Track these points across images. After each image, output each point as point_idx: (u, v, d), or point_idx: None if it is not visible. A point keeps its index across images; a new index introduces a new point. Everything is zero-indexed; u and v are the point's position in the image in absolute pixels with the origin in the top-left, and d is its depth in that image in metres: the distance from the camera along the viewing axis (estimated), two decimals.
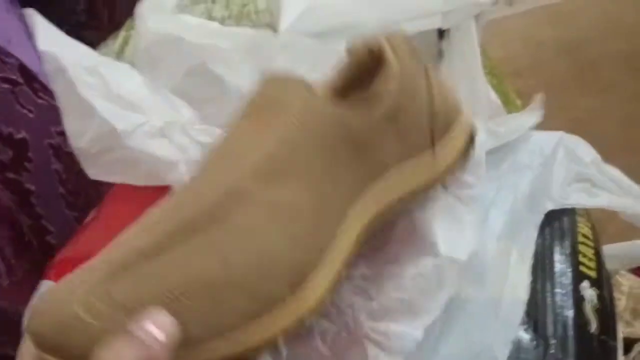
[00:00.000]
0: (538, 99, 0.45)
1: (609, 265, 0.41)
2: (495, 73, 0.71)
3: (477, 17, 0.44)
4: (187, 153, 0.36)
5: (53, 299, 0.23)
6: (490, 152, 0.37)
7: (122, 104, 0.36)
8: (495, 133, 0.40)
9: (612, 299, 0.35)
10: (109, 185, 0.38)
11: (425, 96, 0.30)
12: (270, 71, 0.29)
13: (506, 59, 1.30)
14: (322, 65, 0.33)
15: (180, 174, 0.34)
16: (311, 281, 0.25)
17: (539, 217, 0.35)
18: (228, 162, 0.26)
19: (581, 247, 0.34)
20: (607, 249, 0.41)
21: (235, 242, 0.24)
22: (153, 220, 0.25)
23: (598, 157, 0.40)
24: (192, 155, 0.37)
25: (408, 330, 0.27)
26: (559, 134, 0.42)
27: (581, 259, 0.33)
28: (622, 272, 0.49)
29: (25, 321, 0.31)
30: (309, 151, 0.26)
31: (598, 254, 0.35)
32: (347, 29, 0.39)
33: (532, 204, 0.35)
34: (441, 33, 0.44)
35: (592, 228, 0.37)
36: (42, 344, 0.22)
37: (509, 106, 0.64)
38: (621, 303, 0.47)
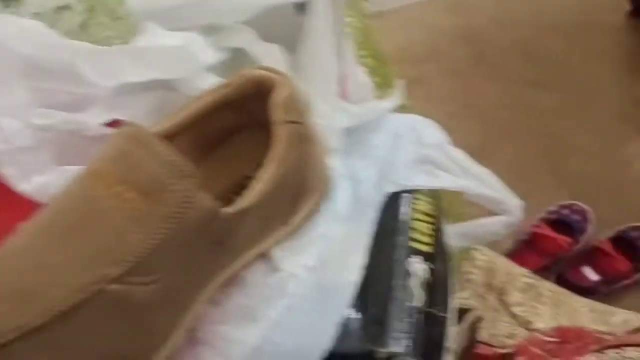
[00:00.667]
0: (400, 85, 0.46)
1: (461, 242, 0.44)
2: (377, 56, 0.73)
3: None
4: (20, 141, 0.34)
5: None
6: (346, 136, 0.38)
7: None
8: (353, 114, 0.41)
9: (447, 273, 0.37)
10: None
11: (299, 177, 0.31)
12: (126, 127, 0.27)
13: (407, 46, 1.34)
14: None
15: (11, 169, 0.32)
16: None
17: (380, 197, 0.36)
18: (86, 247, 0.24)
19: (416, 224, 0.36)
20: (457, 227, 0.43)
21: (76, 342, 0.23)
22: None
23: (444, 139, 0.42)
24: (26, 143, 0.34)
25: (243, 336, 0.28)
26: (411, 117, 0.43)
27: (415, 234, 0.35)
28: (479, 247, 0.52)
29: None
30: (179, 246, 0.25)
31: (437, 231, 0.37)
32: (193, 5, 0.38)
33: (377, 185, 0.37)
34: (299, 8, 0.44)
35: (435, 205, 0.39)
36: None
37: (390, 90, 0.66)
38: (476, 277, 0.50)
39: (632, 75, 1.19)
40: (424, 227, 0.36)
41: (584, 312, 0.56)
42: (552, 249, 0.93)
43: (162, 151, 0.26)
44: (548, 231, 0.94)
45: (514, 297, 0.52)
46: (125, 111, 0.37)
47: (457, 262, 0.45)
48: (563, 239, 0.93)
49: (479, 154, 1.27)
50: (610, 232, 0.94)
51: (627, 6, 1.28)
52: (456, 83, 1.25)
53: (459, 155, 0.41)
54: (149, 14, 0.40)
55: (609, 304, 0.89)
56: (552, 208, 0.98)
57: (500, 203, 0.43)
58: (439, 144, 0.41)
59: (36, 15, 0.46)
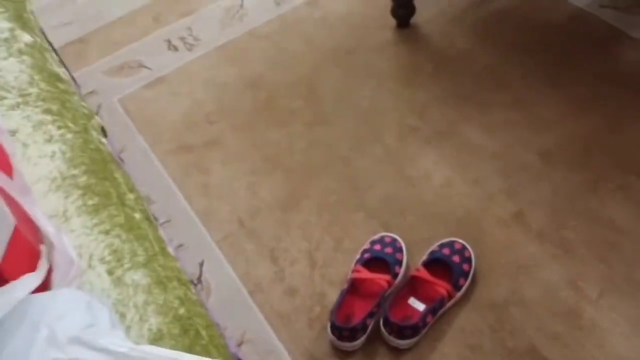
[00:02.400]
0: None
1: None
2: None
3: None
4: None
5: None
6: None
7: None
8: None
9: None
10: None
11: None
12: None
13: (196, 106, 1.25)
14: None
15: None
16: None
17: None
18: None
19: None
20: None
21: None
22: None
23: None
24: None
25: None
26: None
27: None
28: None
29: None
30: None
31: None
32: None
33: None
34: None
35: None
36: None
37: None
38: None
39: (410, 86, 1.22)
40: None
41: None
42: (375, 289, 0.89)
43: None
44: (365, 274, 0.89)
45: None
46: None
47: None
48: (381, 277, 0.89)
49: (289, 206, 1.19)
50: (425, 256, 0.93)
51: (393, 22, 1.32)
52: (249, 136, 1.18)
53: None
54: None
55: (439, 329, 0.86)
56: (365, 246, 0.95)
57: None
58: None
59: None
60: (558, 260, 0.94)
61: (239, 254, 1.02)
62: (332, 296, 0.93)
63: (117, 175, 0.64)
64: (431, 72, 1.24)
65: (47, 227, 0.48)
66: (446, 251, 0.91)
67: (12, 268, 0.43)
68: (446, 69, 1.23)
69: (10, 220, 0.45)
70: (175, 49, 1.36)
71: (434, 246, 0.93)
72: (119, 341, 0.31)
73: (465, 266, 0.90)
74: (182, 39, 1.37)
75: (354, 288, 0.90)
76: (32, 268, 0.44)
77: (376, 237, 0.96)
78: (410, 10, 1.29)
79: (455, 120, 1.14)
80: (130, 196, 0.62)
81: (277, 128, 1.19)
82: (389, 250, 0.93)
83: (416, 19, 1.32)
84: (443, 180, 1.06)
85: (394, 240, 0.94)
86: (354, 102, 1.20)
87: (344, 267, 0.96)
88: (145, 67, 1.33)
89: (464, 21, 1.32)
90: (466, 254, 0.91)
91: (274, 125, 1.19)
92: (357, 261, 0.93)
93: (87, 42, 1.40)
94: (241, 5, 1.43)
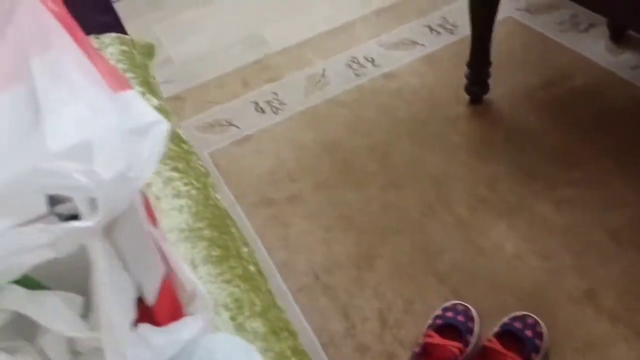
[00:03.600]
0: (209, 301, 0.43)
1: None
2: (216, 225, 0.71)
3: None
4: None
5: None
6: None
7: None
8: (155, 347, 0.37)
9: None
10: None
11: None
12: None
13: (279, 164, 1.35)
14: None
15: None
16: None
17: None
18: None
19: None
20: None
21: None
22: None
23: None
24: None
25: None
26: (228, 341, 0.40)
27: None
28: None
29: None
30: None
31: None
32: None
33: None
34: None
35: None
36: None
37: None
38: None
39: (481, 158, 1.29)
40: None
41: None
42: (446, 356, 0.92)
43: None
44: (438, 339, 0.93)
45: None
46: None
47: None
48: (453, 345, 0.92)
49: (363, 265, 1.26)
50: (496, 327, 0.96)
51: (466, 97, 1.40)
52: (327, 194, 1.27)
53: None
54: None
55: None
56: (437, 312, 0.99)
57: None
58: None
59: None
60: (629, 342, 0.95)
61: (314, 306, 1.08)
62: (402, 357, 0.97)
63: (233, 230, 0.73)
64: (502, 146, 1.30)
65: (189, 273, 0.55)
66: (519, 325, 0.94)
67: (162, 312, 0.50)
68: (517, 144, 1.29)
69: (161, 266, 0.53)
70: (262, 110, 1.49)
71: (506, 318, 0.96)
72: None
73: (537, 341, 0.92)
74: (269, 102, 1.50)
75: (425, 352, 0.93)
76: (178, 313, 0.51)
77: (448, 304, 1.00)
78: (484, 87, 1.37)
79: (525, 194, 1.19)
80: (245, 250, 0.70)
81: (353, 189, 1.27)
82: (461, 318, 0.96)
83: (489, 95, 1.39)
84: (513, 252, 1.10)
85: (467, 308, 0.98)
86: (426, 170, 1.27)
87: (415, 329, 1.00)
88: (235, 125, 1.46)
89: (536, 99, 1.38)
90: (538, 329, 0.94)
91: (350, 186, 1.27)
92: (429, 326, 0.97)
93: (184, 99, 1.55)
94: (323, 75, 1.55)
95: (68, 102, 0.36)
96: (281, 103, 1.50)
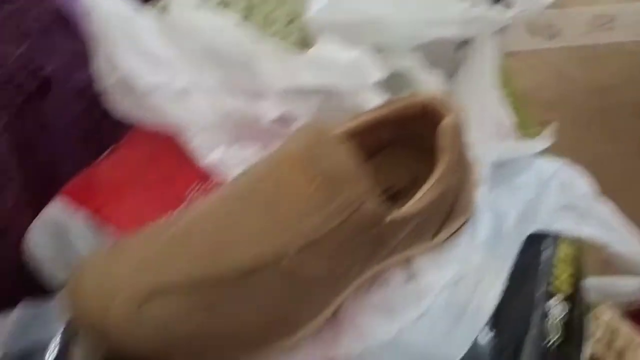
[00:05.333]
0: (551, 128, 0.46)
1: (591, 296, 0.43)
2: (517, 96, 0.72)
3: (496, 33, 0.45)
4: (204, 119, 0.38)
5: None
6: (492, 170, 0.39)
7: (149, 60, 0.38)
8: (502, 150, 0.42)
9: (583, 320, 0.36)
10: (127, 128, 0.40)
11: (452, 199, 0.34)
12: (311, 125, 0.31)
13: (537, 89, 1.30)
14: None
15: (195, 142, 0.37)
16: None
17: (523, 236, 0.36)
18: (276, 220, 0.27)
19: (557, 268, 0.35)
20: (592, 281, 0.42)
21: (250, 299, 0.27)
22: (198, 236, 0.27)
23: (591, 191, 0.41)
24: (209, 121, 0.39)
25: (380, 329, 0.31)
26: (559, 163, 0.43)
27: (555, 278, 0.35)
28: (602, 306, 0.50)
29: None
30: (347, 237, 0.29)
31: (577, 278, 0.37)
32: (370, 24, 0.41)
33: (520, 223, 0.37)
34: (460, 44, 0.45)
35: (576, 251, 0.38)
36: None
37: (525, 130, 0.65)
38: (598, 335, 0.48)
39: None
40: (565, 272, 0.36)
41: None
42: None
43: (345, 149, 0.28)
44: None
45: None
46: (291, 110, 0.41)
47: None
48: None
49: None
50: None
51: None
52: (579, 136, 1.19)
53: (606, 210, 0.40)
54: (327, 26, 0.43)
55: None
56: None
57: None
58: (586, 195, 0.40)
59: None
60: None
61: None
62: None
63: None
64: None
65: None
66: None
67: None
68: None
69: None
70: (534, 32, 1.42)
71: None
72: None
73: None
74: (548, 26, 1.42)
75: None
76: None
77: None
78: None
79: None
80: None
81: (605, 141, 1.17)
82: None
83: None
84: None
85: None
86: None
87: None
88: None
89: None
90: None
91: (604, 137, 1.18)
92: None
93: None
94: (611, 20, 1.40)
95: None
96: (559, 30, 1.40)
